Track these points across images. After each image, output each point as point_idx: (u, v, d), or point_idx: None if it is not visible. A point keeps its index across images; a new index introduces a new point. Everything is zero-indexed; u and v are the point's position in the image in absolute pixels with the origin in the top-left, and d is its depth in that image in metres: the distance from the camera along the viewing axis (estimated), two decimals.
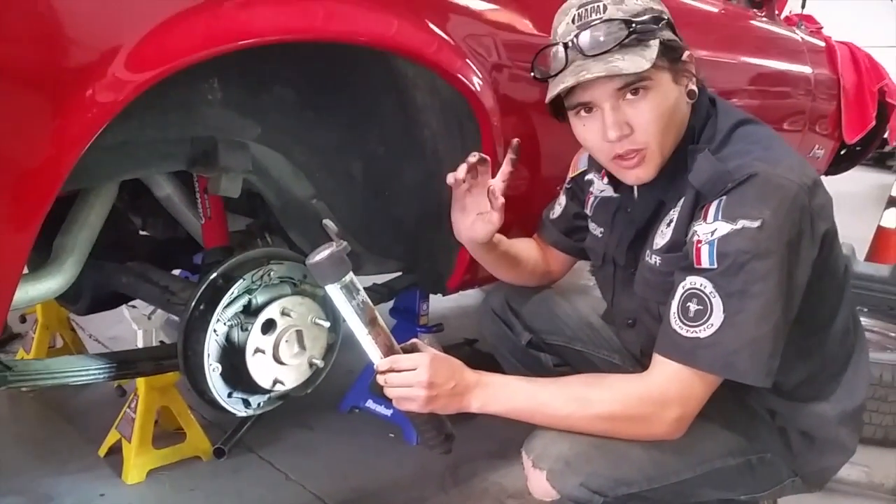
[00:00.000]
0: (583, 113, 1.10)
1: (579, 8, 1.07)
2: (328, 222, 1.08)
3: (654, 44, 1.03)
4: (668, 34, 1.06)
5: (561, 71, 1.07)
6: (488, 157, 1.19)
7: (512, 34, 1.42)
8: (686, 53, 1.09)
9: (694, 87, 1.10)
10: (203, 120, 1.24)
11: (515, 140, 1.21)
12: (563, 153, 1.44)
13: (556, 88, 1.07)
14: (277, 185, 1.55)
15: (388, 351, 1.08)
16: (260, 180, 1.54)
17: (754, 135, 1.10)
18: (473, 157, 1.17)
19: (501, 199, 1.22)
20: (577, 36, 1.05)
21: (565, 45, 1.06)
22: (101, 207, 1.36)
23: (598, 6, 1.05)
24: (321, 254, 1.02)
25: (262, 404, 1.38)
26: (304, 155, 1.43)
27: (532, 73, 1.15)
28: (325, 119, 1.39)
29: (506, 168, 1.22)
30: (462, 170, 1.17)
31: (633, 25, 1.03)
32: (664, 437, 1.05)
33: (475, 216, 1.23)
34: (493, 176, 1.22)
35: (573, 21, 1.07)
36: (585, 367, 1.38)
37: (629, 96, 1.05)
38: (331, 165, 1.47)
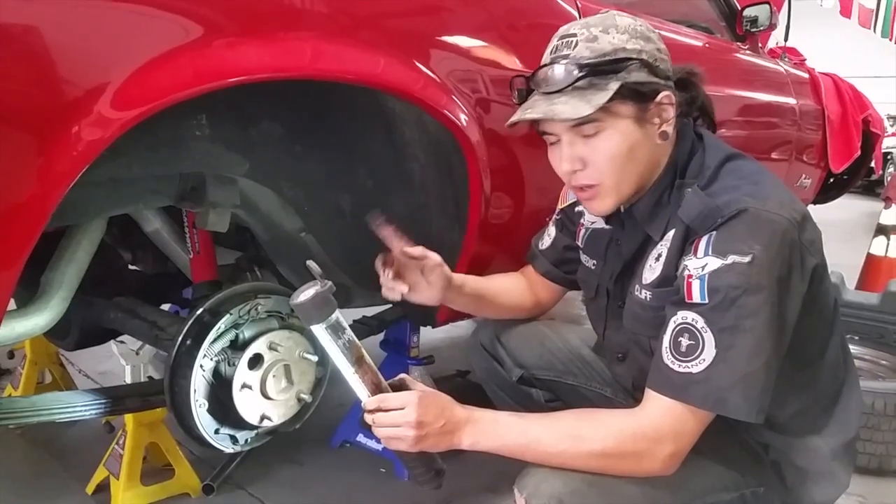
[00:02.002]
0: (550, 140, 1.14)
1: (559, 38, 1.11)
2: (312, 264, 1.06)
3: (612, 87, 1.04)
4: (639, 76, 1.06)
5: (523, 101, 1.13)
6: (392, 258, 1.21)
7: (497, 70, 1.44)
8: (662, 95, 1.08)
9: (667, 129, 1.10)
10: (191, 155, 1.25)
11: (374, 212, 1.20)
12: (550, 184, 1.45)
13: (512, 118, 1.13)
14: (266, 219, 1.55)
15: (376, 389, 1.07)
16: (248, 214, 1.54)
17: (743, 170, 1.11)
18: (386, 276, 1.21)
19: (433, 257, 1.23)
20: (538, 71, 1.10)
21: (528, 78, 1.12)
22: (89, 243, 1.36)
23: (571, 41, 1.08)
24: (305, 294, 1.00)
25: (249, 440, 1.37)
26: (292, 189, 1.44)
27: (513, 97, 1.19)
28: (313, 153, 1.40)
29: (398, 243, 1.20)
30: (395, 286, 1.21)
31: (587, 69, 1.05)
32: (658, 473, 1.04)
33: (419, 283, 1.25)
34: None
35: (552, 51, 1.11)
36: (578, 401, 1.37)
37: (585, 132, 1.07)
38: (319, 199, 1.48)
